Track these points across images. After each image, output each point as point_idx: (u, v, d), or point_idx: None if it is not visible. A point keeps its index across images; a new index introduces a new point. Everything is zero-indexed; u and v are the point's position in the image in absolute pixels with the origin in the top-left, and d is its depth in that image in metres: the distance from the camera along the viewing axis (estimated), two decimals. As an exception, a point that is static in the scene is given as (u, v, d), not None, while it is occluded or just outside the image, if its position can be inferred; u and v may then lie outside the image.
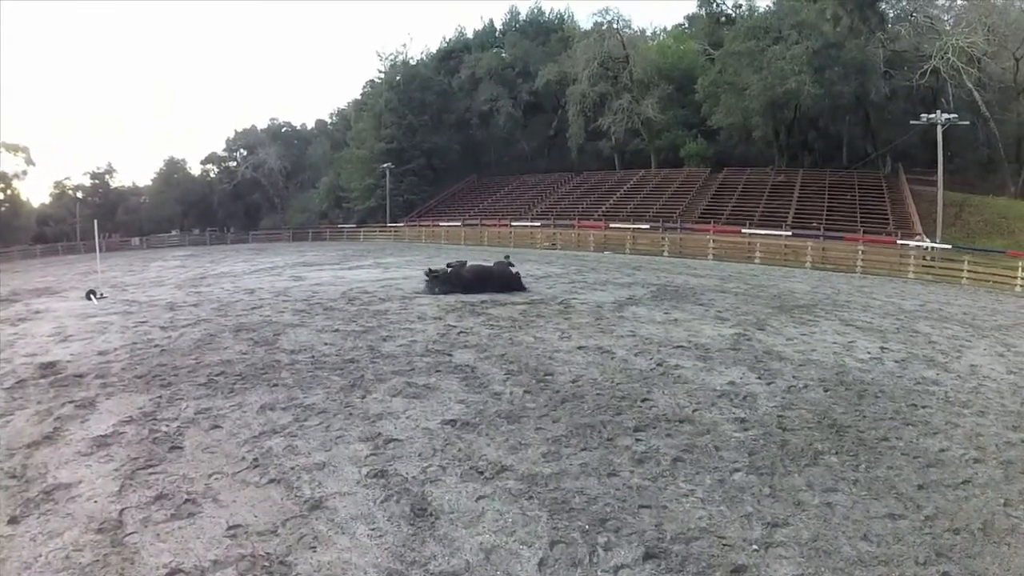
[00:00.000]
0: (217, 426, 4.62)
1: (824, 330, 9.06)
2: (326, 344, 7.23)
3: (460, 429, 4.43)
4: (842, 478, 3.98)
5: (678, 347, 7.41)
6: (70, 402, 5.30)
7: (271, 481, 3.69)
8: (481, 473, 3.77)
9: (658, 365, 6.48)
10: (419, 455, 4.04)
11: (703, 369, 6.45)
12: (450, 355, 6.63)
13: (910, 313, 11.60)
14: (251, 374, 5.96)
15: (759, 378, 6.20)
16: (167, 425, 4.69)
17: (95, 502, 3.51)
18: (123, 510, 3.39)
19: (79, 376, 6.15)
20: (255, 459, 3.99)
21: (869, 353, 7.58)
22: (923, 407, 5.46)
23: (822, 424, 4.94)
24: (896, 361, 7.24)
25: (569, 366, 6.26)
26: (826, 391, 5.87)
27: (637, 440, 4.36)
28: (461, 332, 7.89)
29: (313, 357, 6.60)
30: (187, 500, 3.50)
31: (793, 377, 6.29)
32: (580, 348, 7.12)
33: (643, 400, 5.23)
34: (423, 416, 4.66)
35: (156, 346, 7.44)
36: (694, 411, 5.07)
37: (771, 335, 8.47)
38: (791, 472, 4.05)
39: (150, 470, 3.91)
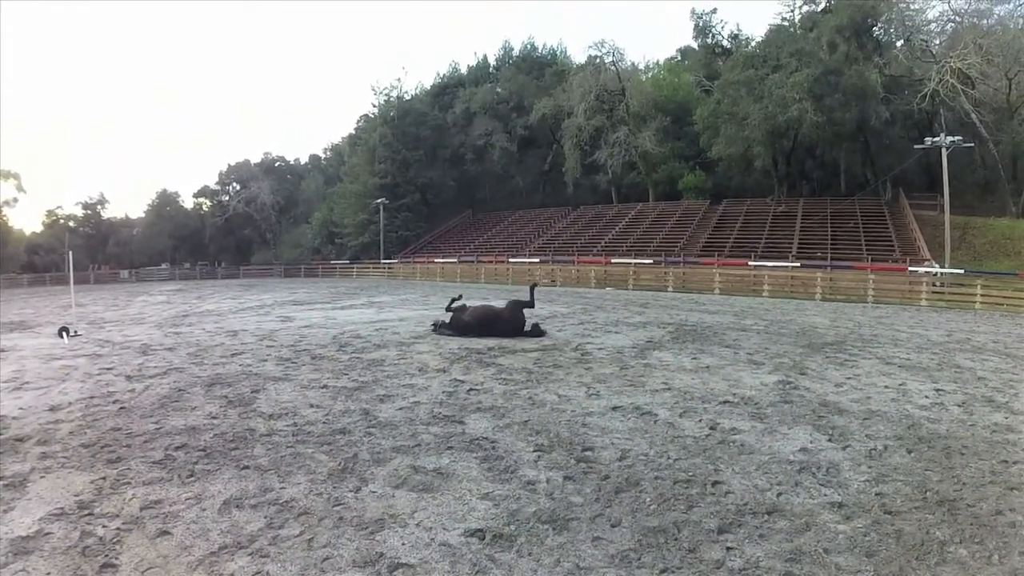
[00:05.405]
0: (166, 532, 3.50)
1: (868, 372, 8.31)
2: (312, 406, 6.09)
3: (491, 544, 3.22)
4: (982, 579, 3.06)
5: (724, 402, 6.38)
6: (-1, 479, 4.28)
7: (227, 643, 2.56)
8: (535, 632, 2.58)
9: (711, 429, 5.42)
10: (440, 594, 2.79)
11: (764, 432, 5.42)
12: (462, 422, 5.48)
13: (942, 345, 11.04)
14: (218, 449, 4.83)
15: (830, 440, 5.24)
16: (104, 525, 3.59)
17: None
18: None
19: (19, 440, 5.16)
20: (209, 597, 2.86)
21: (927, 398, 6.84)
22: (1014, 463, 4.76)
23: (927, 501, 4.04)
24: (958, 405, 6.53)
25: (609, 436, 5.13)
26: (909, 452, 4.98)
27: (727, 549, 3.24)
28: (471, 389, 6.78)
29: (296, 424, 5.45)
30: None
31: (866, 436, 5.37)
32: (615, 409, 6.01)
33: (713, 483, 4.13)
34: (439, 522, 3.47)
35: (115, 402, 6.40)
36: (779, 495, 4.01)
37: (815, 381, 7.63)
38: (926, 581, 3.07)
39: (70, 604, 2.82)
